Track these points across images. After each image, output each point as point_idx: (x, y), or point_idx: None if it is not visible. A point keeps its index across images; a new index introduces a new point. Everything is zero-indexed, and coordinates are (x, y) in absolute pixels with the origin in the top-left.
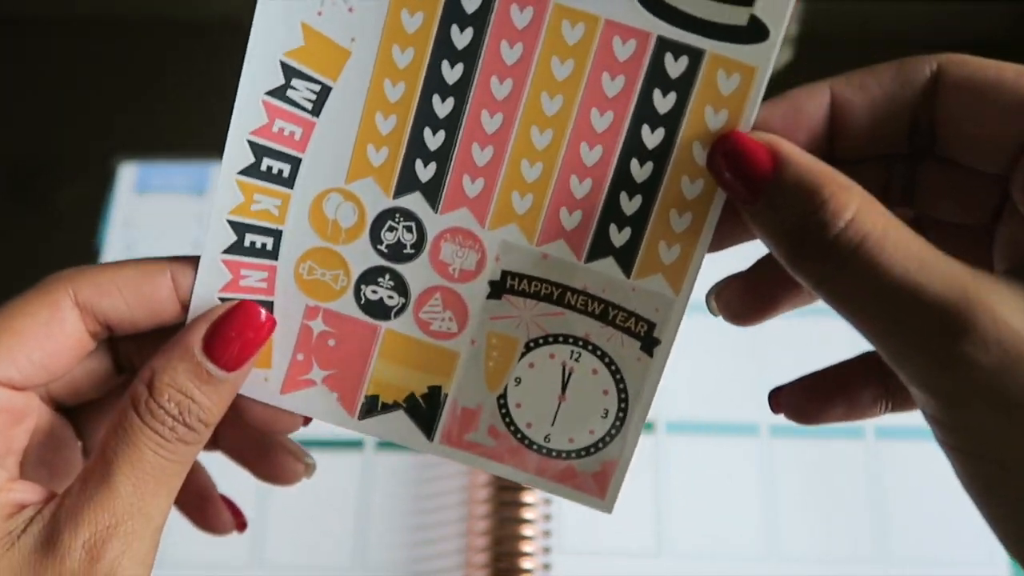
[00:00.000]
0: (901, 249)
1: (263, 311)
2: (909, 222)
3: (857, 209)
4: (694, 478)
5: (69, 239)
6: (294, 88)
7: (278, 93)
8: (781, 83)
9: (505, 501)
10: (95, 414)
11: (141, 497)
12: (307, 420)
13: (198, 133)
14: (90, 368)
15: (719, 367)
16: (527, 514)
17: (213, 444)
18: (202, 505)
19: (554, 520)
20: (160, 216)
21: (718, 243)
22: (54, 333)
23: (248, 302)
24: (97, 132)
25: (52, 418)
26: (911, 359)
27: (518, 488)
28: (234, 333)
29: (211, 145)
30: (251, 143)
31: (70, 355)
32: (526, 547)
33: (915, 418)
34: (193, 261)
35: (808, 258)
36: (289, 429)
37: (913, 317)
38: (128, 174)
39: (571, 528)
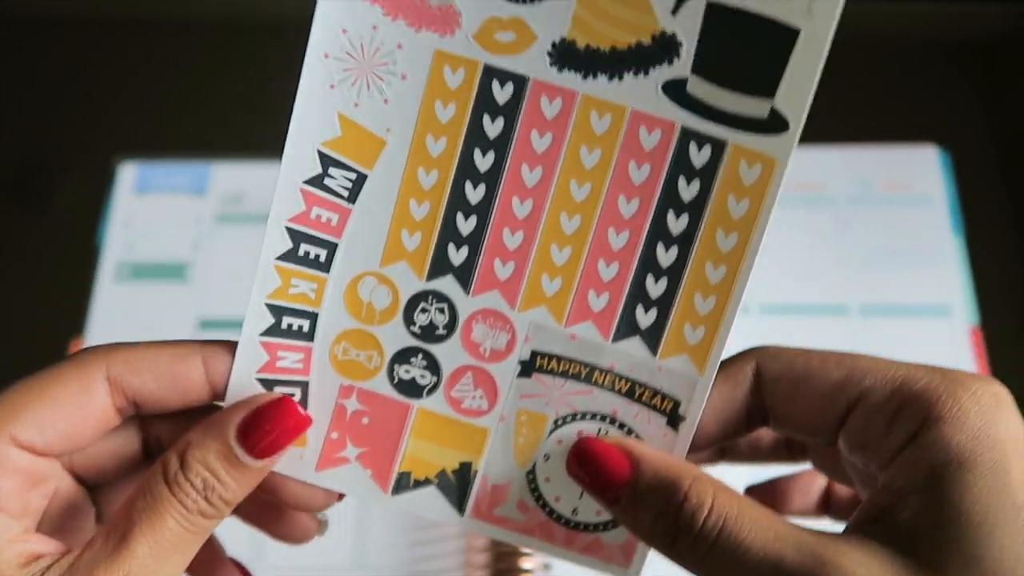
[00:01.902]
0: (756, 525)
1: (301, 410)
2: None
3: (714, 496)
4: None
5: (69, 239)
6: (331, 176)
7: (316, 182)
8: None
9: None
10: (116, 492)
11: (156, 560)
12: (341, 496)
13: (198, 133)
14: (116, 447)
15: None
16: None
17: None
18: (211, 570)
19: None
20: (160, 216)
21: (706, 441)
22: (82, 404)
23: (287, 399)
24: (97, 132)
25: (72, 487)
26: None
27: None
28: (268, 427)
29: (211, 145)
30: (289, 230)
31: (95, 428)
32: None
33: None
34: (226, 345)
35: (683, 547)
36: (324, 506)
37: None
38: (128, 174)
39: None
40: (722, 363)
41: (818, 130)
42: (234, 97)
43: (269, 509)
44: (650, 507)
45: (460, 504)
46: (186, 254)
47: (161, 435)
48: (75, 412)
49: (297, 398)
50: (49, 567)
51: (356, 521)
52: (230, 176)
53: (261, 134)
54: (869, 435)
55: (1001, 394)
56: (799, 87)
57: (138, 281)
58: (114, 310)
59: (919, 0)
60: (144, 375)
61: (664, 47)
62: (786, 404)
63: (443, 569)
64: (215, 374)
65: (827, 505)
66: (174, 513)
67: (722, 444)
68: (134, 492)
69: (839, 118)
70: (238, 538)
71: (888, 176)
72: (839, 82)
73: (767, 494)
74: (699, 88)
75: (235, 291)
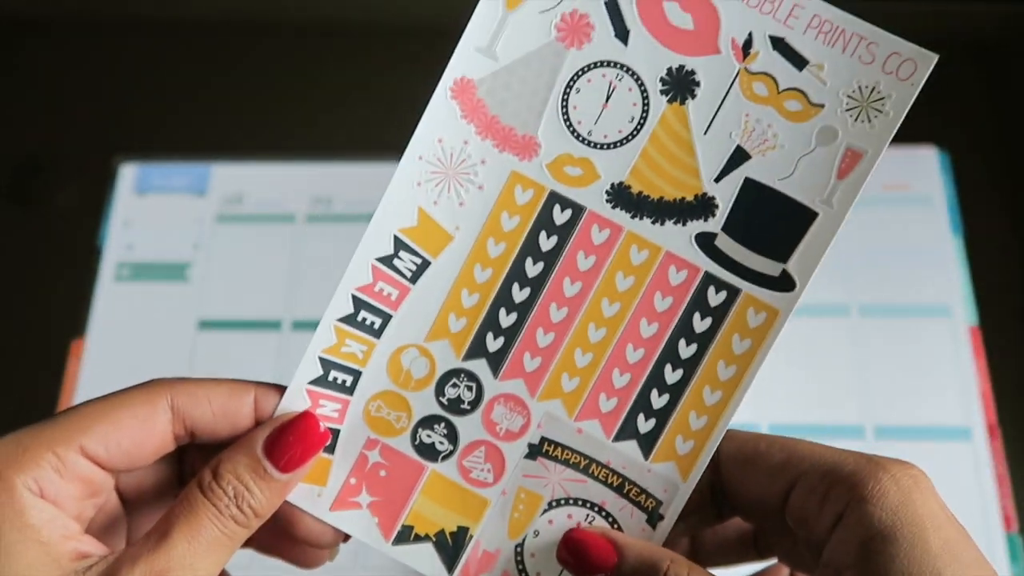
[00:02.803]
0: None
1: (322, 425)
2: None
3: (688, 574)
4: None
5: (69, 239)
6: (400, 258)
7: (386, 260)
8: None
9: None
10: (146, 518)
11: (193, 554)
12: (347, 537)
13: (198, 133)
14: (158, 471)
15: None
16: None
17: (247, 542)
18: None
19: None
20: (160, 216)
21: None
22: (146, 428)
23: (310, 414)
24: (97, 132)
25: (115, 504)
26: None
27: None
28: (292, 439)
29: (211, 145)
30: (354, 297)
31: (153, 450)
32: None
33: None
34: (277, 388)
35: None
36: (331, 544)
37: None
38: (128, 174)
39: None
40: None
41: None
42: (234, 97)
43: (284, 538)
44: None
45: (451, 564)
46: (186, 254)
47: (195, 467)
48: (139, 433)
49: (327, 442)
50: (96, 563)
51: None
52: (230, 176)
53: (261, 134)
54: (806, 513)
55: (919, 476)
56: (809, 257)
57: (138, 281)
58: (114, 310)
59: (919, 0)
60: (203, 407)
61: (703, 206)
62: (738, 482)
63: None
64: (262, 412)
65: None
66: (209, 515)
67: (693, 531)
68: (173, 504)
69: None
70: None
71: (888, 176)
72: None
73: None
74: (726, 244)
75: (235, 291)
